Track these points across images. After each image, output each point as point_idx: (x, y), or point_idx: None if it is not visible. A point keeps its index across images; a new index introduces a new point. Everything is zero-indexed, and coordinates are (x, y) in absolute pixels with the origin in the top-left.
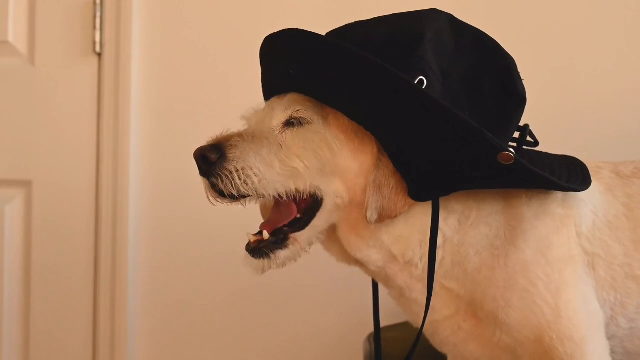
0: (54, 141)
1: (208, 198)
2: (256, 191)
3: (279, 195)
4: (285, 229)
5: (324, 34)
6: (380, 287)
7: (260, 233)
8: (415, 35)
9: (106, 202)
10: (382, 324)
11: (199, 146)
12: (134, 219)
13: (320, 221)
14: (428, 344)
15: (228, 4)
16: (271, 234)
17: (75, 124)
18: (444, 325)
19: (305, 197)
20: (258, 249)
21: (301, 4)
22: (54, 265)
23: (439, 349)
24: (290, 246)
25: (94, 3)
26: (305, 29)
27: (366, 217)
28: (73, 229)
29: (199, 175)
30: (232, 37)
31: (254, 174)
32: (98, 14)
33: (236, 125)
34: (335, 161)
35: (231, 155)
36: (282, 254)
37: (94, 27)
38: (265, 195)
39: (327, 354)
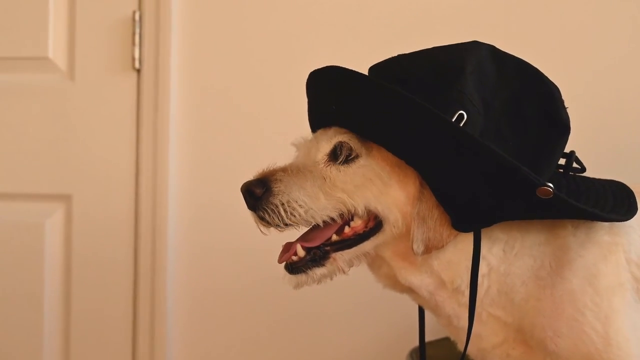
0: (93, 156)
1: (259, 229)
2: (305, 220)
3: (331, 219)
4: (327, 248)
5: (364, 62)
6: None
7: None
8: (456, 69)
9: (145, 215)
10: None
11: (244, 180)
12: (173, 230)
13: (369, 245)
14: None
15: (269, 21)
16: (307, 251)
17: (115, 139)
18: (493, 354)
19: (366, 217)
20: (295, 267)
21: (342, 27)
22: (94, 279)
23: None
24: (327, 265)
25: (133, 19)
26: (346, 67)
27: (412, 250)
28: (113, 242)
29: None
30: (272, 54)
31: (299, 205)
32: (137, 30)
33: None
34: (387, 190)
35: (276, 189)
36: (318, 271)
37: (133, 44)
38: (315, 222)
39: None
